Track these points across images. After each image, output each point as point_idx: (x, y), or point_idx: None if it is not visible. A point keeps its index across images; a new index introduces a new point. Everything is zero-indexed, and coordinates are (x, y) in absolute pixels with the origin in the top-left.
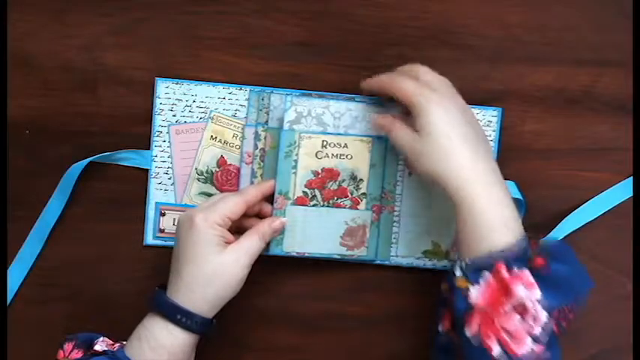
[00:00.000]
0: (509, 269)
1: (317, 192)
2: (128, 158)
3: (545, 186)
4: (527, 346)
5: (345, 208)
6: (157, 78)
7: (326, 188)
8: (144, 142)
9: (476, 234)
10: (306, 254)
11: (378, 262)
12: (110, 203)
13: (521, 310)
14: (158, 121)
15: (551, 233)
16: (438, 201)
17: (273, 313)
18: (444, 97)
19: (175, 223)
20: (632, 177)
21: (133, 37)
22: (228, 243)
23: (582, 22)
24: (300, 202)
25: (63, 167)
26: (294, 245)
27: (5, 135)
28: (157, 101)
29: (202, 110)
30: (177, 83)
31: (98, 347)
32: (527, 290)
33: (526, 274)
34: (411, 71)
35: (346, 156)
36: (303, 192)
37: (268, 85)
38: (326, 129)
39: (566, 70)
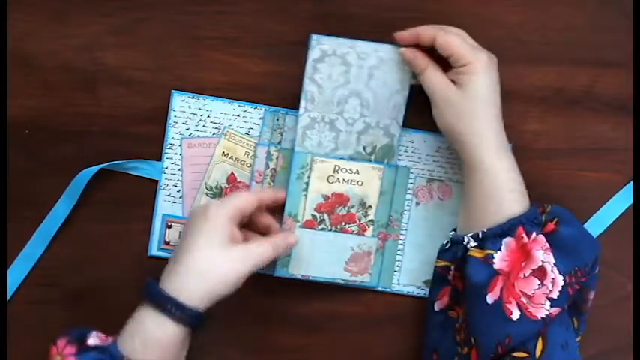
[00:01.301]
0: (528, 234)
1: (326, 216)
2: (138, 168)
3: (545, 186)
4: (544, 309)
5: (352, 233)
6: (173, 91)
7: (335, 213)
8: (144, 142)
9: (492, 198)
10: (311, 277)
11: (379, 288)
12: (115, 206)
13: (540, 274)
14: (171, 133)
15: None
16: (443, 232)
17: (273, 313)
18: (493, 64)
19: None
20: (631, 182)
21: (133, 37)
22: (236, 242)
23: (582, 22)
24: (308, 225)
25: (63, 167)
26: (300, 268)
27: (5, 135)
28: (172, 114)
29: (216, 126)
30: (192, 97)
31: (91, 341)
32: (546, 254)
33: (542, 238)
34: (455, 31)
35: (357, 182)
36: (312, 215)
37: (268, 85)
38: (349, 69)
39: (566, 70)
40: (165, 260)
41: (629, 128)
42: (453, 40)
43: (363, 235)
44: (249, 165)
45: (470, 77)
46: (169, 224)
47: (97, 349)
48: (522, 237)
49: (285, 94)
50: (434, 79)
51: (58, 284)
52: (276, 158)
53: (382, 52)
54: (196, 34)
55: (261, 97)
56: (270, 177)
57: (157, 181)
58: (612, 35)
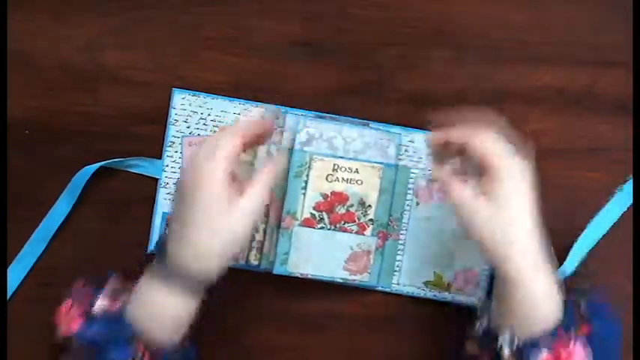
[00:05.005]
0: (565, 345)
1: (325, 215)
2: (138, 165)
3: (545, 186)
4: None
5: (351, 232)
6: (173, 88)
7: (334, 212)
8: (144, 142)
9: (527, 313)
10: (309, 276)
11: (379, 288)
12: (115, 204)
13: None
14: (172, 131)
15: (564, 265)
16: (444, 232)
17: (273, 313)
18: (526, 169)
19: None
20: (630, 180)
21: (133, 37)
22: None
23: (582, 22)
24: (307, 223)
25: (63, 167)
26: (299, 266)
27: (5, 135)
28: (172, 112)
29: (217, 124)
30: (193, 95)
31: (98, 308)
32: None
33: (578, 348)
34: (489, 134)
35: (356, 181)
36: (311, 214)
37: (268, 85)
38: (336, 153)
39: (566, 70)
40: None
41: (629, 128)
42: (486, 143)
43: (363, 235)
44: (249, 163)
45: (501, 185)
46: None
47: (104, 319)
48: (560, 352)
49: (285, 94)
50: (460, 193)
51: (58, 283)
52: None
53: (367, 137)
54: (196, 34)
55: (261, 97)
56: None
57: (157, 179)
58: (612, 35)
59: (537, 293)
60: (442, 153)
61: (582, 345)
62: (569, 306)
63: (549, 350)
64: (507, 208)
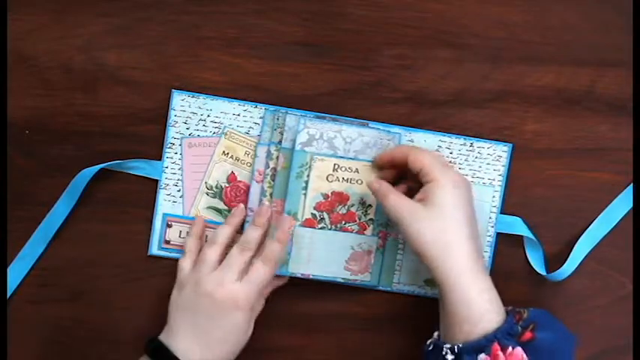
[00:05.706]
0: (504, 349)
1: (325, 215)
2: (139, 167)
3: (545, 186)
4: None
5: (352, 232)
6: (173, 90)
7: (335, 212)
8: (144, 142)
9: (466, 319)
10: (311, 276)
11: (380, 288)
12: (115, 205)
13: None
14: (171, 132)
15: (565, 265)
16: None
17: (273, 313)
18: (463, 183)
19: (204, 286)
20: (631, 185)
21: (133, 37)
22: None
23: (582, 22)
24: (308, 224)
25: (63, 167)
26: (300, 266)
27: (5, 135)
28: (172, 113)
29: (216, 125)
30: (193, 96)
31: None
32: None
33: (519, 352)
34: (428, 151)
35: (357, 181)
36: (312, 214)
37: (268, 85)
38: (336, 152)
39: (566, 70)
40: (164, 260)
41: (629, 128)
42: (423, 156)
43: (363, 234)
44: (249, 164)
45: (436, 192)
46: (170, 223)
47: None
48: (498, 354)
49: (285, 94)
50: (398, 202)
51: (58, 284)
52: (277, 157)
53: (367, 136)
54: (196, 34)
55: (261, 96)
56: (271, 176)
57: (157, 181)
58: (612, 35)
59: (472, 298)
60: (384, 170)
61: (522, 351)
62: (510, 313)
63: (487, 354)
64: (443, 214)
